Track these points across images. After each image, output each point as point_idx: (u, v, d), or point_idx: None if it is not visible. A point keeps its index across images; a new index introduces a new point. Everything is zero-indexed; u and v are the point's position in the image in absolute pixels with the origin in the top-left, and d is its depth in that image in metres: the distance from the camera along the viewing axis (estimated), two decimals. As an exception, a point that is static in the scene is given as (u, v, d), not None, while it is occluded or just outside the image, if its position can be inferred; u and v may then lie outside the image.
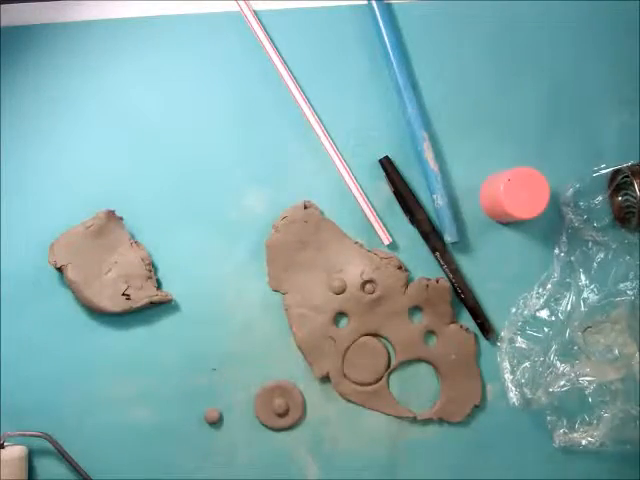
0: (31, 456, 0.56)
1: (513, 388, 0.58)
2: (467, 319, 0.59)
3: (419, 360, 0.59)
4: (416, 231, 0.59)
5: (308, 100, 0.60)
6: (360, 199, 0.59)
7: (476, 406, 0.58)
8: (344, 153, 0.60)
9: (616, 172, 0.60)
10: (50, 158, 0.59)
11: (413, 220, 0.59)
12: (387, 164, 0.59)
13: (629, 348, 0.59)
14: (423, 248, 0.60)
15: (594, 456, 0.59)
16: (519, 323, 0.59)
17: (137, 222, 0.59)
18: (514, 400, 0.58)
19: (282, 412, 0.57)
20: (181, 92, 0.60)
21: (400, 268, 0.58)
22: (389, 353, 0.59)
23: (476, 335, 0.59)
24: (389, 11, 0.61)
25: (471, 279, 0.60)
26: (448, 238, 0.58)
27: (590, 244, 0.60)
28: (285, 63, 0.60)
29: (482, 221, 0.60)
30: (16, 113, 0.59)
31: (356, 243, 0.59)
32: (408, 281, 0.59)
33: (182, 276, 0.58)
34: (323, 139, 0.59)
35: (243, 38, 0.60)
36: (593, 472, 0.59)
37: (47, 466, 0.57)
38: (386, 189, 0.60)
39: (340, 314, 0.58)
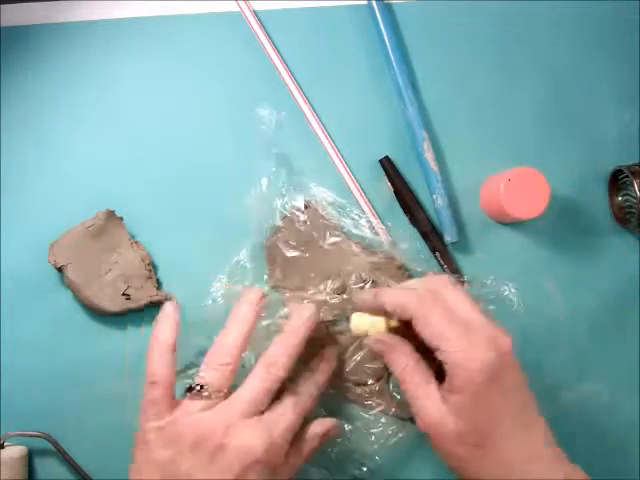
0: (31, 456, 0.56)
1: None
2: (467, 319, 0.59)
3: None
4: (416, 231, 0.59)
5: (308, 100, 0.60)
6: (360, 199, 0.59)
7: (476, 406, 0.58)
8: (344, 153, 0.60)
9: (616, 172, 0.60)
10: (50, 158, 0.59)
11: (413, 220, 0.59)
12: (387, 164, 0.59)
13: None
14: (423, 248, 0.59)
15: (592, 453, 0.59)
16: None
17: (137, 222, 0.59)
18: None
19: (282, 412, 0.57)
20: (181, 92, 0.60)
21: (400, 268, 0.58)
22: (389, 353, 0.59)
23: (476, 335, 0.59)
24: (389, 11, 0.61)
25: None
26: (448, 238, 0.58)
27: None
28: (285, 63, 0.60)
29: (482, 221, 0.60)
30: (16, 113, 0.59)
31: (356, 243, 0.59)
32: (408, 281, 0.59)
33: (182, 276, 0.58)
34: (323, 139, 0.59)
35: (243, 38, 0.60)
36: (593, 471, 0.59)
37: (47, 466, 0.57)
38: (386, 189, 0.60)
39: (340, 314, 0.58)
